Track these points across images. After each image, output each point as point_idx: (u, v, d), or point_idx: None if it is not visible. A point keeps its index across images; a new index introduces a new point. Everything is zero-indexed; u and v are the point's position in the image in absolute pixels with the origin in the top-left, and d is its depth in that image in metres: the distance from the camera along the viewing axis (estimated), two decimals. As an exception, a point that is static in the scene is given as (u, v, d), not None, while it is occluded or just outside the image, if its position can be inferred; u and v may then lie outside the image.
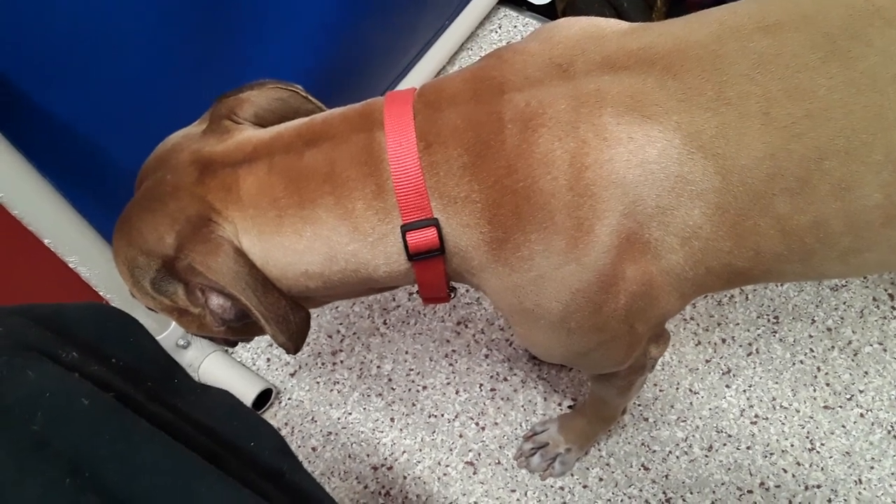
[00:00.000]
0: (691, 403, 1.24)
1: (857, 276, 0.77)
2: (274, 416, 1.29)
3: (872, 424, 1.21)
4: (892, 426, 1.20)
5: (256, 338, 1.36)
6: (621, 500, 1.17)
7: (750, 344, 1.29)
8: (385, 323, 1.36)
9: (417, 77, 1.53)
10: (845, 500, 1.15)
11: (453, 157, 0.60)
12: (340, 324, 1.36)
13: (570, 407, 1.25)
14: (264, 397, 1.26)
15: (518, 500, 1.18)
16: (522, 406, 1.26)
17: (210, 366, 1.25)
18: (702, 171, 0.59)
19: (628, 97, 0.59)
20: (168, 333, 1.17)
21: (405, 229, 0.61)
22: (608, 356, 0.75)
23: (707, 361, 1.28)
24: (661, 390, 1.25)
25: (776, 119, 0.58)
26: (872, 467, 1.17)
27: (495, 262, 0.63)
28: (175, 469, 0.42)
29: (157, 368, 0.55)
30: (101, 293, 1.02)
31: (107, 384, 0.45)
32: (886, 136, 0.57)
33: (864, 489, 1.16)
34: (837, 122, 0.57)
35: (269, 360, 1.35)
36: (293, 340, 0.63)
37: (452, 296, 0.72)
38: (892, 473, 1.17)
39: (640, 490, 1.18)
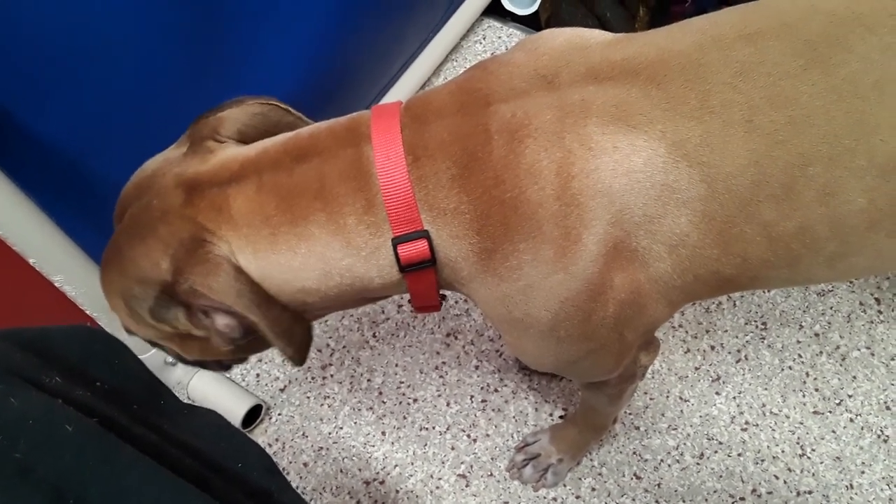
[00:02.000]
0: (682, 411, 1.24)
1: (844, 280, 0.78)
2: (265, 431, 1.28)
3: (862, 429, 1.21)
4: (881, 430, 1.21)
5: (245, 353, 1.35)
6: (614, 510, 1.17)
7: (739, 350, 1.29)
8: (375, 336, 1.36)
9: (403, 88, 1.54)
10: (837, 505, 1.15)
11: (441, 170, 0.61)
12: (330, 337, 1.36)
13: (560, 417, 1.25)
14: (254, 413, 1.26)
15: (510, 511, 1.18)
16: (514, 417, 1.26)
17: (199, 383, 1.24)
18: (687, 179, 0.60)
19: (613, 107, 0.60)
20: (155, 352, 1.17)
21: (396, 242, 0.61)
22: (598, 364, 0.75)
23: (696, 369, 1.28)
24: (651, 399, 1.25)
25: (759, 126, 0.58)
26: (863, 472, 1.18)
27: (484, 273, 0.64)
28: (160, 494, 0.42)
29: (143, 390, 0.55)
30: (87, 311, 1.01)
31: (91, 409, 0.44)
32: (868, 141, 0.58)
33: (856, 494, 1.16)
34: (820, 128, 0.58)
35: (258, 375, 1.34)
36: (300, 352, 0.64)
37: (442, 303, 0.72)
38: (883, 478, 1.17)
39: (633, 499, 1.17)
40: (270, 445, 1.27)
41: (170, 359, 1.18)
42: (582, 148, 0.59)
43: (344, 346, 1.35)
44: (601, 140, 0.59)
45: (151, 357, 1.16)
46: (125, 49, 0.90)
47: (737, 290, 0.71)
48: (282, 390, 1.32)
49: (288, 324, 0.62)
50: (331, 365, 1.33)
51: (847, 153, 0.58)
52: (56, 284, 0.96)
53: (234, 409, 1.22)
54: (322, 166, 0.62)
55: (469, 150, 0.61)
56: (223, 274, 0.59)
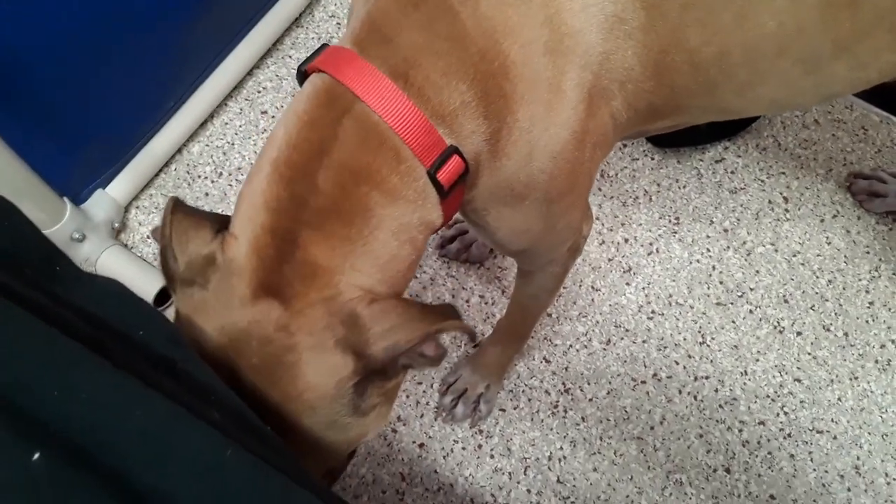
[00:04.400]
0: (593, 300, 1.28)
1: (752, 112, 0.84)
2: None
3: (760, 320, 1.28)
4: (778, 322, 1.27)
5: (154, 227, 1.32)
6: (523, 391, 1.21)
7: (651, 244, 1.33)
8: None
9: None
10: (731, 389, 1.22)
11: (432, 72, 0.57)
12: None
13: (474, 346, 1.25)
14: (167, 293, 1.23)
15: (424, 392, 1.21)
16: (431, 303, 1.27)
17: (108, 260, 1.21)
18: (631, 7, 0.60)
19: None
20: (60, 226, 1.12)
21: (432, 173, 0.58)
22: (571, 223, 0.76)
23: (609, 260, 1.31)
24: (564, 287, 1.28)
25: None
26: (758, 360, 1.25)
27: (495, 159, 0.62)
28: (48, 355, 0.40)
29: (36, 255, 0.52)
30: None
31: (-26, 268, 0.42)
32: None
33: (749, 380, 1.23)
34: None
35: (171, 255, 1.31)
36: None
37: None
38: (775, 366, 1.24)
39: (541, 381, 1.22)
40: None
41: (76, 234, 1.14)
42: None
43: (261, 229, 1.33)
44: None
45: (57, 231, 1.12)
46: None
47: (659, 122, 0.74)
48: (196, 271, 1.30)
49: (448, 308, 0.58)
50: (247, 247, 1.31)
51: None
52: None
53: (144, 288, 1.19)
54: (336, 156, 0.56)
55: (443, 36, 0.57)
56: (386, 313, 0.54)
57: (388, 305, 0.54)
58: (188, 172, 1.38)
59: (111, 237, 1.25)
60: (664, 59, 0.64)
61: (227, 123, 1.43)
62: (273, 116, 1.43)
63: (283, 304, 0.54)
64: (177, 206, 0.59)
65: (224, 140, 1.41)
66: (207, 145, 1.40)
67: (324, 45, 0.61)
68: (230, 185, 1.36)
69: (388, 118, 0.56)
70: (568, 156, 0.64)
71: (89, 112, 1.19)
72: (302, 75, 0.61)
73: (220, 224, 0.59)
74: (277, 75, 1.47)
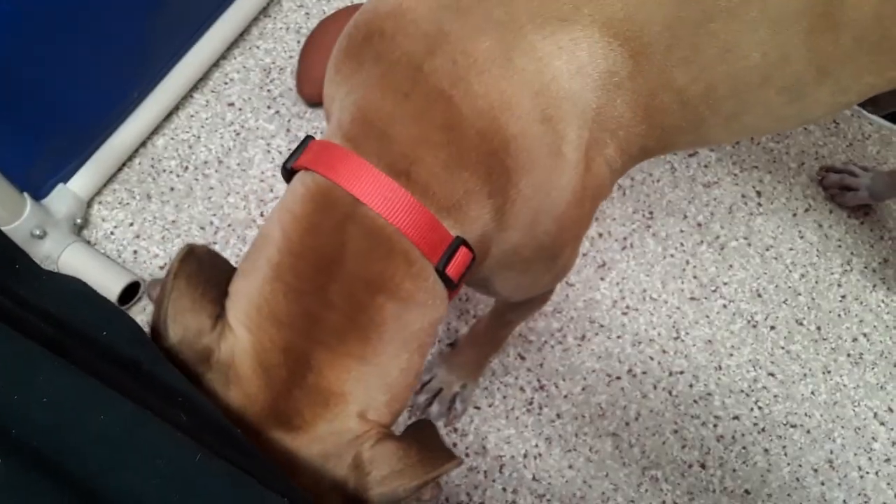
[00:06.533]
0: (567, 296, 1.27)
1: (735, 140, 0.84)
2: (143, 310, 1.23)
3: (734, 315, 1.28)
4: (751, 316, 1.28)
5: (122, 227, 1.28)
6: (498, 389, 1.20)
7: (625, 238, 1.32)
8: (262, 215, 1.31)
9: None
10: (705, 384, 1.22)
11: (432, 165, 0.55)
12: (214, 215, 1.30)
13: (449, 345, 1.23)
14: (131, 291, 1.20)
15: (397, 390, 1.19)
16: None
17: (70, 257, 1.17)
18: (621, 58, 0.59)
19: (537, 6, 0.57)
20: (20, 223, 1.08)
21: (440, 269, 0.56)
22: (570, 265, 0.75)
23: (584, 255, 1.31)
24: (539, 283, 1.27)
25: None
26: (731, 354, 1.25)
27: (501, 231, 0.60)
28: (7, 357, 0.38)
29: (-7, 252, 0.50)
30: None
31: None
32: None
33: (723, 375, 1.23)
34: None
35: (136, 252, 1.27)
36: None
37: None
38: (749, 360, 1.24)
39: (516, 378, 1.21)
40: (149, 325, 1.22)
41: (37, 231, 1.11)
42: (532, 61, 0.56)
43: (229, 225, 1.30)
44: (544, 46, 0.57)
45: (17, 228, 1.08)
46: None
47: (649, 159, 0.74)
48: (161, 268, 1.26)
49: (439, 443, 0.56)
50: (215, 244, 1.28)
51: (742, 4, 0.60)
52: None
53: (108, 286, 1.16)
54: (347, 267, 0.53)
55: (439, 125, 0.55)
56: (392, 457, 0.52)
57: (389, 448, 0.53)
58: (153, 166, 1.34)
59: (73, 234, 1.21)
60: (653, 101, 0.63)
61: (192, 116, 1.39)
62: (240, 109, 1.40)
63: (289, 434, 0.53)
64: (181, 269, 0.55)
65: (190, 133, 1.38)
66: (172, 138, 1.37)
67: (308, 138, 0.59)
68: (196, 179, 1.33)
69: (395, 220, 0.54)
70: (571, 214, 0.63)
71: (49, 104, 1.15)
72: (288, 172, 0.59)
73: (223, 308, 0.56)
74: (245, 66, 1.44)
